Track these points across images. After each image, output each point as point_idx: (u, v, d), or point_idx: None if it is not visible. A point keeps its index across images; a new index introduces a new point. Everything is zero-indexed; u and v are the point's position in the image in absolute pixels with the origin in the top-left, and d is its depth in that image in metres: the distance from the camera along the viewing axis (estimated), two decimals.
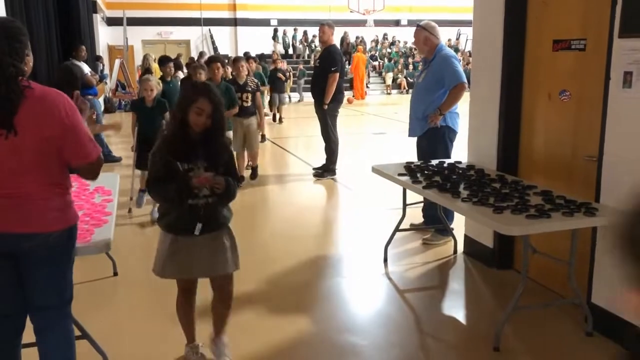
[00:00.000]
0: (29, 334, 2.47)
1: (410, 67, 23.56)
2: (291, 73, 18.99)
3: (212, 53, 20.89)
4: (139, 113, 5.82)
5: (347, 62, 22.67)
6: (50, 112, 2.19)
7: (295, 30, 24.77)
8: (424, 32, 4.89)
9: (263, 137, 9.94)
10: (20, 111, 2.14)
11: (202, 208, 2.74)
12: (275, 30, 24.68)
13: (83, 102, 2.78)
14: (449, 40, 26.12)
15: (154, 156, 2.76)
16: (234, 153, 6.66)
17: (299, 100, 19.77)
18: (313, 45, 23.50)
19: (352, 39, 24.73)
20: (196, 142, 2.74)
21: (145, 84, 5.78)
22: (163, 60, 8.14)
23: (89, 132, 2.38)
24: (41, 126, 2.17)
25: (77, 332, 2.69)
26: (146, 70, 10.62)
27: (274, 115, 13.59)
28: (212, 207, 2.78)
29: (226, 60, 9.32)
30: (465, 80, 4.80)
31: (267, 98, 12.70)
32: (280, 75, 13.38)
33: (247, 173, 7.36)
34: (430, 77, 4.86)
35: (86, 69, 8.64)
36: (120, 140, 11.10)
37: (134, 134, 5.86)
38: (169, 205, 2.81)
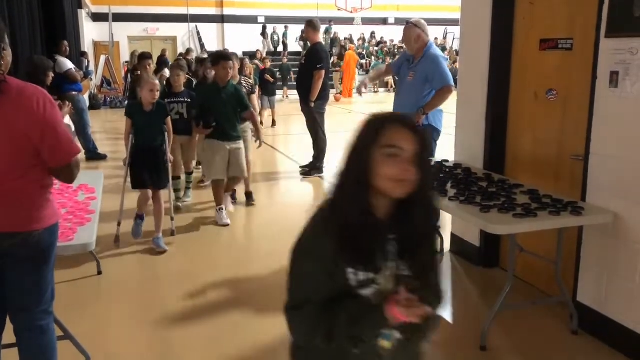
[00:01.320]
0: (9, 335, 2.43)
1: None
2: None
3: (199, 50, 20.76)
4: (135, 119, 4.74)
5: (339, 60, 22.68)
6: (28, 107, 2.13)
7: (286, 27, 24.58)
8: (417, 30, 4.85)
9: (274, 122, 12.00)
10: None
11: (387, 350, 1.51)
12: (264, 27, 24.50)
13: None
14: (436, 38, 26.23)
15: (303, 265, 1.49)
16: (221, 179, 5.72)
17: None
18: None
19: (340, 37, 24.66)
20: (384, 225, 1.46)
21: (151, 84, 4.66)
22: (140, 58, 7.27)
23: (68, 130, 2.32)
24: (19, 122, 2.11)
25: (59, 332, 2.65)
26: (134, 67, 10.49)
27: (273, 121, 12.55)
28: (405, 347, 1.53)
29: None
30: (453, 83, 4.78)
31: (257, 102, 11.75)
32: (267, 77, 12.11)
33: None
34: (418, 77, 4.83)
35: (69, 64, 8.51)
36: (107, 137, 11.02)
37: (127, 145, 4.77)
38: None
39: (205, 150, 5.42)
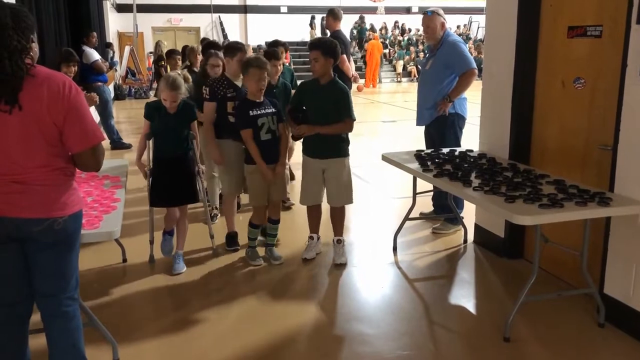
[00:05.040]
0: (36, 321, 2.47)
1: (421, 54, 23.39)
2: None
3: (222, 41, 20.82)
4: (153, 123, 3.95)
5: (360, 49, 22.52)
6: (54, 91, 2.17)
7: None
8: (440, 18, 4.81)
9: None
10: (25, 89, 2.12)
11: None
12: (313, 18, 24.19)
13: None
14: (459, 27, 25.90)
15: None
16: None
17: None
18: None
19: (367, 26, 24.40)
20: None
21: (165, 93, 3.83)
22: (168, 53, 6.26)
23: (94, 118, 2.36)
24: (46, 106, 2.15)
25: (84, 320, 2.69)
26: (159, 57, 10.57)
27: None
28: None
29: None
30: (475, 66, 4.73)
31: None
32: None
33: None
34: (438, 64, 4.79)
35: (96, 55, 8.63)
36: (132, 127, 11.14)
37: (140, 150, 4.08)
38: None
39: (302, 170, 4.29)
